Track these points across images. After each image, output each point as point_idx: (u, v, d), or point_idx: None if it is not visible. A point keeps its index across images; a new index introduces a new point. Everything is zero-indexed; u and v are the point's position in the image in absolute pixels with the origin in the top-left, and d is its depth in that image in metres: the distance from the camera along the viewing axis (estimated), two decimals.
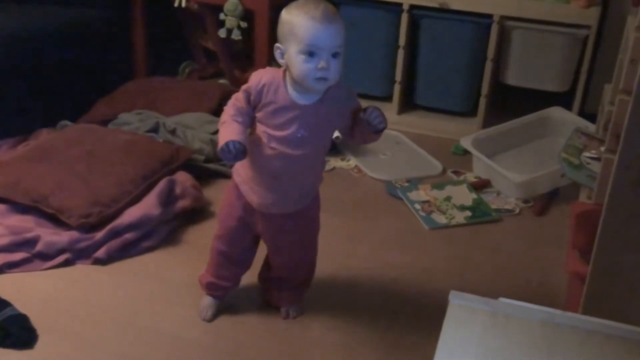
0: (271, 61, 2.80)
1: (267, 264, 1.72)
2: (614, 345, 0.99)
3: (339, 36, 1.38)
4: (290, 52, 1.39)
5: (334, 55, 1.38)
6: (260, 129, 1.48)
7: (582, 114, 2.57)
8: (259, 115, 1.46)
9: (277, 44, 1.42)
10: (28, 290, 1.76)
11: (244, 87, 1.47)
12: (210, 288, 1.69)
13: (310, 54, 1.36)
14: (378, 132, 1.46)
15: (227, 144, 1.39)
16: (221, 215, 1.65)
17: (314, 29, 1.35)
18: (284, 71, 1.45)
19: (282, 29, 1.41)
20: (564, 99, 2.62)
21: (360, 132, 1.49)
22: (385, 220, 2.16)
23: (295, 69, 1.39)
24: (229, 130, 1.42)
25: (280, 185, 1.51)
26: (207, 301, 1.70)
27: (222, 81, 2.95)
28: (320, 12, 1.36)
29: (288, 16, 1.40)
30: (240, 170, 1.55)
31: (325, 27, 1.36)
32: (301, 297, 1.72)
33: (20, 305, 1.67)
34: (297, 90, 1.44)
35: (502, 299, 1.06)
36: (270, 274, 1.71)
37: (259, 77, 1.46)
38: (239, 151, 1.40)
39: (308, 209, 1.58)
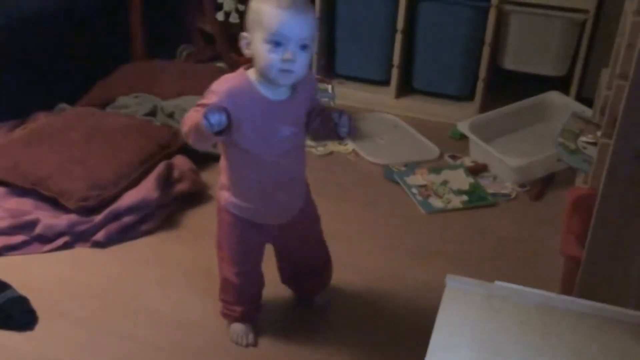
0: None
1: (281, 268, 1.68)
2: (608, 328, 1.00)
3: (308, 27, 1.31)
4: (256, 41, 1.31)
5: (302, 47, 1.30)
6: (240, 146, 1.38)
7: (579, 98, 2.57)
8: (236, 133, 1.35)
9: (242, 33, 1.34)
10: (27, 273, 1.77)
11: (203, 102, 1.34)
12: (246, 317, 1.60)
13: (276, 43, 1.29)
14: (339, 137, 1.42)
15: (205, 115, 1.27)
16: (225, 249, 1.53)
17: (280, 17, 1.28)
18: (245, 72, 1.37)
19: (249, 17, 1.33)
20: (561, 84, 2.62)
21: (316, 129, 1.43)
22: (383, 205, 2.17)
23: (259, 60, 1.32)
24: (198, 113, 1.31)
25: (280, 190, 1.45)
26: (240, 327, 1.60)
27: (219, 64, 2.94)
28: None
29: (255, 3, 1.32)
30: (231, 198, 1.46)
31: (292, 15, 1.28)
32: (327, 283, 1.71)
33: (20, 287, 1.69)
34: (268, 87, 1.36)
35: (498, 282, 1.07)
36: (292, 273, 1.68)
37: (224, 86, 1.35)
38: (219, 115, 1.28)
39: (307, 207, 1.55)
